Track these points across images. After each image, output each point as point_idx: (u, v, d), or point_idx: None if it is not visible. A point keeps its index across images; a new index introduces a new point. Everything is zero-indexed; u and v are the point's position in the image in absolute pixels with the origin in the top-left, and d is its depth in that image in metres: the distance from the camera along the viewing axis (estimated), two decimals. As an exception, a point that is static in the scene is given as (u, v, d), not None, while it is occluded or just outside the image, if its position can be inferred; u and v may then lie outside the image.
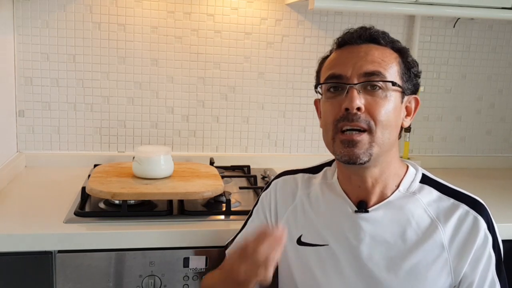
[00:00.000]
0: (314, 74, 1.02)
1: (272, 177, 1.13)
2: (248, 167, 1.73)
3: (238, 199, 1.42)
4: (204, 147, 1.83)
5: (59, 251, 1.15)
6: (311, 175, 1.07)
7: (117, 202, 1.29)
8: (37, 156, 1.71)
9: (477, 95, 1.98)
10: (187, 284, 1.21)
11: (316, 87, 0.98)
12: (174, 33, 1.73)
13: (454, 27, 1.90)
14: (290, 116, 1.86)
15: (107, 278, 1.18)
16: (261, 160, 1.83)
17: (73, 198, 1.36)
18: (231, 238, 1.14)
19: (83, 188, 1.32)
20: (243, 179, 1.63)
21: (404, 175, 0.98)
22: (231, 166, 1.75)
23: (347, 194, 0.98)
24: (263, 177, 1.67)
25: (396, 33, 1.85)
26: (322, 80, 0.96)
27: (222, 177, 1.49)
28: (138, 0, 1.68)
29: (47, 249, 1.14)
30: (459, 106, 1.98)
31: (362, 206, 0.96)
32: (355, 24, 1.81)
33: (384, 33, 0.95)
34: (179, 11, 1.71)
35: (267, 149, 1.87)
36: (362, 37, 0.93)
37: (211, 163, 1.69)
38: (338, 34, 0.89)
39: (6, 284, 1.15)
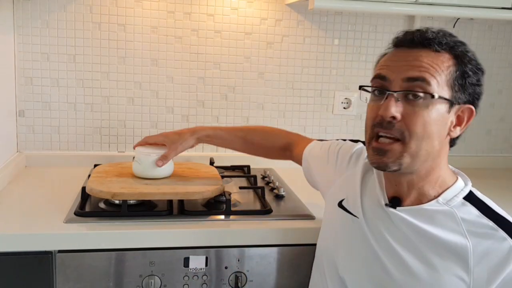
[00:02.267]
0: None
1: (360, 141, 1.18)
2: (248, 167, 1.72)
3: (238, 199, 1.42)
4: (204, 147, 1.82)
5: (59, 251, 1.15)
6: None
7: (117, 202, 1.29)
8: (37, 156, 1.71)
9: (477, 95, 1.98)
10: (187, 284, 1.21)
11: (360, 87, 0.97)
12: (174, 33, 1.73)
13: (454, 27, 1.90)
14: (290, 116, 1.86)
15: (107, 278, 1.18)
16: (261, 160, 1.83)
17: (73, 198, 1.36)
18: None
19: (83, 188, 1.32)
20: (243, 179, 1.63)
21: (449, 187, 0.93)
22: (231, 166, 1.75)
23: (386, 186, 0.99)
24: (263, 177, 1.67)
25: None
26: (372, 79, 0.95)
27: (222, 177, 1.49)
28: (138, 0, 1.68)
29: (47, 249, 1.15)
30: (459, 106, 1.98)
31: (394, 202, 0.95)
32: (355, 24, 1.82)
33: (443, 36, 0.89)
34: (179, 11, 1.71)
35: (267, 149, 1.87)
36: (414, 41, 0.90)
37: (211, 163, 1.69)
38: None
39: (6, 284, 1.15)
